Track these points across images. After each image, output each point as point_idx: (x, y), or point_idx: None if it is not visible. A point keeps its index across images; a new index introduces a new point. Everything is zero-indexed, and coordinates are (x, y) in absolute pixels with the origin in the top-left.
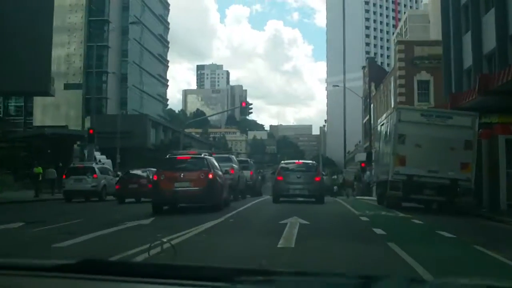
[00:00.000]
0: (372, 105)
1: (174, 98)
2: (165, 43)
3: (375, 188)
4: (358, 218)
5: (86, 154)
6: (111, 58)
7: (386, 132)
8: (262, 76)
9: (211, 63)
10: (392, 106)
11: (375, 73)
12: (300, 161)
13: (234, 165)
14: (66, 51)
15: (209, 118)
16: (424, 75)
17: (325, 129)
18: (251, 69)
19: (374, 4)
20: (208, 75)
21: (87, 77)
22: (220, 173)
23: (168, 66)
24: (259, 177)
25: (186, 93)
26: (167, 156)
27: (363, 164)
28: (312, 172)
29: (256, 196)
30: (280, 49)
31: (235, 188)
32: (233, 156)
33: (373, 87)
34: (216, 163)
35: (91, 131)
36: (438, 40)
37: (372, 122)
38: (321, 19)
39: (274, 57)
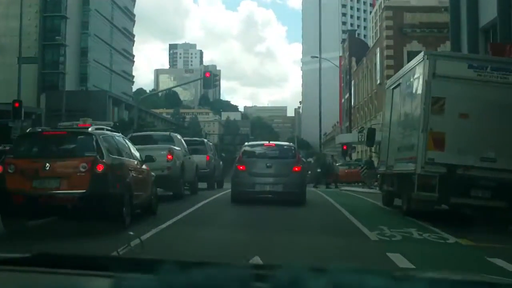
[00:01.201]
0: (352, 82)
1: (146, 79)
2: (131, 17)
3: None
4: (382, 253)
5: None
6: (70, 30)
7: (406, 96)
8: (236, 57)
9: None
10: (378, 81)
11: (356, 47)
12: (272, 142)
13: (174, 147)
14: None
15: (182, 98)
16: (415, 46)
17: (300, 110)
18: (225, 50)
19: None
20: (181, 55)
21: (43, 50)
22: (130, 162)
23: (134, 41)
24: (220, 163)
25: (158, 72)
26: (27, 131)
27: (345, 147)
28: (289, 159)
29: (214, 188)
30: (254, 30)
31: (175, 181)
32: (176, 135)
33: (354, 62)
34: (129, 146)
35: (16, 104)
36: (432, 5)
37: (352, 100)
38: (294, 0)
39: (248, 38)
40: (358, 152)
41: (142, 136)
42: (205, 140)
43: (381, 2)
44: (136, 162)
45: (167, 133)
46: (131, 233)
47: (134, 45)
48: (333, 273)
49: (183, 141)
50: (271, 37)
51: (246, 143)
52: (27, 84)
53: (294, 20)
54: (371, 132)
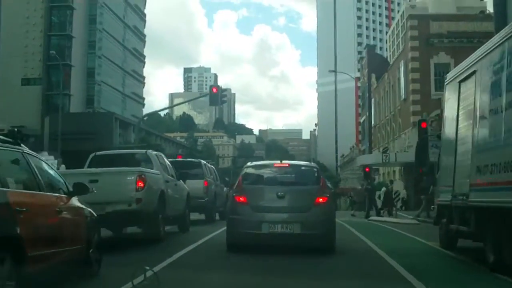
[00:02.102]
0: (373, 100)
1: (161, 103)
2: (141, 37)
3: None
4: None
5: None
6: (76, 50)
7: (494, 87)
8: (250, 81)
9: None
10: (403, 96)
11: (375, 63)
12: (286, 162)
13: (148, 170)
14: (24, 41)
15: (196, 122)
16: (443, 57)
17: (316, 133)
18: (239, 74)
19: (367, 2)
20: (196, 78)
21: (48, 71)
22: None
23: (144, 62)
24: (224, 189)
25: (172, 96)
26: None
27: (367, 169)
28: (310, 186)
29: (214, 220)
30: (268, 54)
31: (149, 218)
32: (156, 153)
33: (373, 79)
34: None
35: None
36: (460, 14)
37: (373, 119)
38: (308, 24)
39: (262, 62)
40: (381, 174)
41: (107, 156)
42: (203, 162)
43: (398, 20)
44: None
45: (143, 151)
46: (147, 267)
47: (148, 69)
48: None
49: (167, 162)
50: (285, 61)
51: (248, 163)
52: (31, 106)
53: (308, 44)
54: (423, 145)
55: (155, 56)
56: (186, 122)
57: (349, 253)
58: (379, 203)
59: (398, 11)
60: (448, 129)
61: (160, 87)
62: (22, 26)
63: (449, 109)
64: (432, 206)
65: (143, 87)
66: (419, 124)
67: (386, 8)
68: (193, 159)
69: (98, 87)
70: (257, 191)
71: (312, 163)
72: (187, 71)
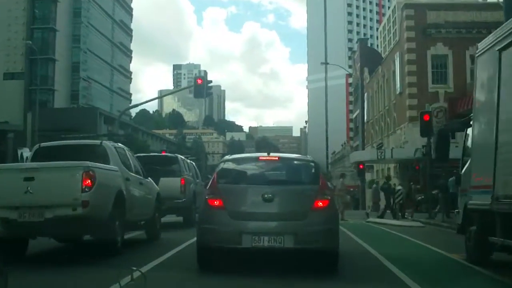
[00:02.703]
0: (365, 95)
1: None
2: (128, 31)
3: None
4: None
5: None
6: (60, 43)
7: None
8: (240, 78)
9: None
10: (398, 90)
11: (368, 57)
12: (275, 154)
13: (97, 166)
14: (6, 34)
15: (186, 120)
16: (440, 48)
17: (306, 130)
18: (229, 72)
19: None
20: (185, 75)
21: (31, 65)
22: None
23: (131, 57)
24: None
25: (162, 93)
26: None
27: (361, 166)
28: (306, 185)
29: (193, 224)
30: (257, 51)
31: (100, 224)
32: (114, 145)
33: (366, 73)
34: None
35: None
36: (459, 3)
37: (366, 115)
38: (297, 21)
39: (251, 59)
40: (376, 171)
41: (55, 148)
42: (180, 157)
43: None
44: None
45: (97, 142)
46: (134, 268)
47: (137, 66)
48: None
49: (130, 155)
50: (274, 58)
51: (226, 156)
52: (14, 101)
53: (297, 41)
54: (444, 137)
55: (144, 53)
56: (175, 119)
57: (356, 272)
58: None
59: (389, 7)
60: (483, 112)
61: (150, 84)
62: (4, 19)
63: (484, 87)
64: (456, 210)
65: (130, 83)
66: (422, 117)
67: (376, 4)
68: (168, 154)
69: (84, 82)
70: (237, 193)
71: (308, 156)
72: (176, 67)
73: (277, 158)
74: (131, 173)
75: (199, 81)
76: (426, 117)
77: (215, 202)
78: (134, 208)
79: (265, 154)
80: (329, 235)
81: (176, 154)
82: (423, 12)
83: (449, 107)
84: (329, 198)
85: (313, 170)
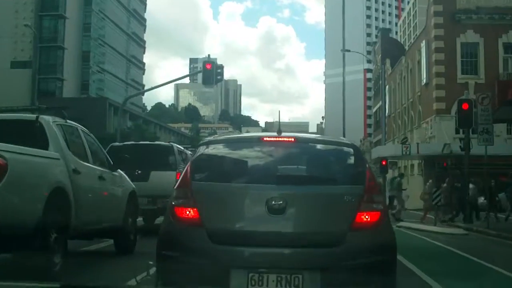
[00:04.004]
0: (387, 87)
1: (167, 94)
2: (141, 21)
3: None
4: None
5: None
6: (69, 31)
7: None
8: (256, 73)
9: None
10: (424, 81)
11: (389, 47)
12: (289, 135)
13: (12, 150)
14: (14, 21)
15: (202, 114)
16: (471, 36)
17: (323, 126)
18: (245, 66)
19: None
20: (202, 69)
21: (40, 53)
22: None
23: (144, 48)
24: None
25: (178, 87)
26: None
27: (384, 162)
28: (341, 186)
29: None
30: (273, 46)
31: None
32: (56, 123)
33: (388, 65)
34: None
35: None
36: None
37: (387, 108)
38: (312, 17)
39: (267, 54)
40: (399, 167)
41: None
42: (176, 146)
43: (410, 9)
44: None
45: (31, 116)
46: (150, 262)
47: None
48: None
49: (86, 138)
50: (290, 54)
51: (208, 138)
52: (21, 90)
53: (313, 37)
54: None
55: (161, 47)
56: (191, 113)
57: None
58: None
59: (408, 1)
60: None
61: (166, 78)
62: (11, 5)
63: None
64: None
65: (143, 74)
66: (460, 106)
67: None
68: (161, 142)
69: (95, 72)
70: (223, 198)
71: (343, 138)
72: (193, 61)
73: (292, 140)
74: (84, 163)
75: (208, 66)
76: (465, 106)
77: (187, 213)
78: (88, 212)
79: (274, 134)
80: (381, 272)
81: (171, 143)
82: None
83: (498, 93)
84: (382, 208)
85: (353, 161)
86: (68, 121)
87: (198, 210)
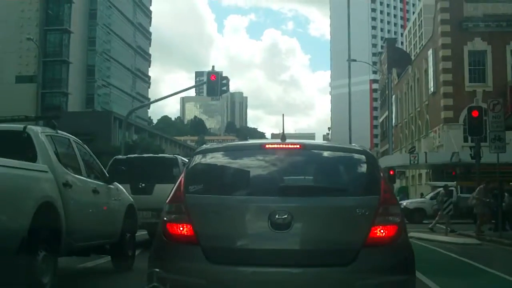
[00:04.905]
0: (393, 97)
1: (173, 108)
2: (146, 35)
3: None
4: None
5: None
6: (74, 46)
7: None
8: (261, 85)
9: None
10: (432, 89)
11: (396, 57)
12: (294, 141)
13: None
14: (19, 36)
15: (208, 127)
16: (478, 44)
17: (329, 136)
18: (250, 79)
19: (381, 3)
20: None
21: (45, 68)
22: None
23: (150, 62)
24: None
25: (184, 100)
26: None
27: (391, 172)
28: (353, 197)
29: None
30: (277, 59)
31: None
32: (46, 134)
33: (394, 74)
34: None
35: None
36: None
37: (393, 118)
38: (316, 29)
39: (272, 67)
40: (407, 177)
41: None
42: (180, 159)
43: (415, 19)
44: None
45: (19, 127)
46: (157, 270)
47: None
48: None
49: (79, 149)
50: (295, 66)
51: (204, 146)
52: (26, 105)
53: (317, 48)
54: None
55: (166, 61)
56: (197, 126)
57: None
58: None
59: (413, 12)
60: None
61: (171, 92)
62: (16, 20)
63: None
64: None
65: (149, 88)
66: (470, 113)
67: (401, 9)
68: (165, 155)
69: (100, 86)
70: (221, 212)
71: (355, 145)
72: (198, 74)
73: (298, 147)
74: (77, 176)
75: (212, 78)
76: (475, 113)
77: (180, 230)
78: (81, 227)
79: (277, 140)
80: None
81: (176, 155)
82: (459, 4)
83: (511, 100)
84: (398, 221)
85: (365, 169)
86: (59, 131)
87: (193, 226)
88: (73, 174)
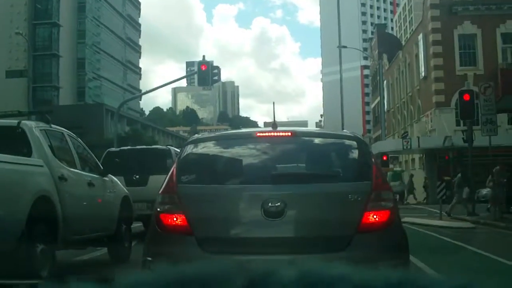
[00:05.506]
0: (385, 82)
1: (164, 98)
2: (136, 26)
3: None
4: None
5: None
6: (64, 39)
7: None
8: (252, 74)
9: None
10: (423, 74)
11: (386, 43)
12: (285, 129)
13: None
14: (8, 31)
15: (200, 117)
16: (468, 27)
17: (322, 124)
18: (240, 68)
19: None
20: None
21: (35, 62)
22: None
23: (140, 53)
24: None
25: (175, 91)
26: None
27: (385, 157)
28: (346, 183)
29: None
30: (267, 47)
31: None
32: (40, 128)
33: (385, 60)
34: None
35: None
36: None
37: (385, 103)
38: (305, 16)
39: (262, 55)
40: (400, 162)
41: None
42: (174, 150)
43: (405, 3)
44: None
45: (13, 122)
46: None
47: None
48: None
49: (72, 142)
50: (285, 53)
51: (195, 135)
52: (17, 100)
53: (307, 36)
54: None
55: (156, 52)
56: (189, 116)
57: None
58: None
59: None
60: None
61: (162, 82)
62: (6, 15)
63: None
64: None
65: (140, 79)
66: (461, 97)
67: None
68: (158, 146)
69: (91, 79)
70: (214, 201)
71: (346, 131)
72: (189, 65)
73: (289, 135)
74: (72, 169)
75: (203, 67)
76: (466, 97)
77: (174, 220)
78: (78, 220)
79: (268, 128)
80: (391, 279)
81: (168, 146)
82: None
83: (502, 82)
84: (391, 206)
85: (357, 155)
86: (52, 125)
87: (186, 216)
88: (68, 168)
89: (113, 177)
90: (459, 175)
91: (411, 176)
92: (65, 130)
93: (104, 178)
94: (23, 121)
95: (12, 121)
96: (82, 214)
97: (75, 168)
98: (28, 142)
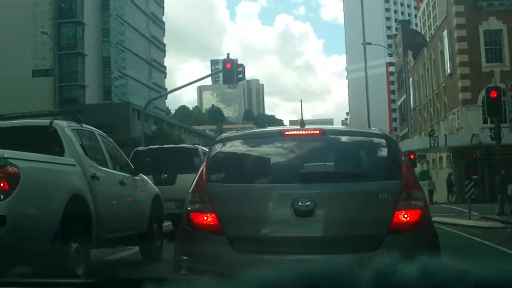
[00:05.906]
0: (410, 80)
1: (190, 97)
2: (160, 25)
3: None
4: None
5: None
6: (89, 38)
7: None
8: (276, 72)
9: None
10: (448, 71)
11: (411, 39)
12: (314, 127)
13: (23, 158)
14: (33, 30)
15: (226, 115)
16: (493, 23)
17: (348, 122)
18: (264, 65)
19: None
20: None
21: (60, 61)
22: None
23: (165, 51)
24: None
25: (201, 89)
26: None
27: (412, 156)
28: (376, 182)
29: None
30: (291, 44)
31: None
32: (72, 128)
33: (410, 57)
34: None
35: None
36: None
37: (411, 100)
38: (328, 13)
39: (286, 52)
40: (428, 161)
41: None
42: (201, 148)
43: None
44: None
45: (45, 122)
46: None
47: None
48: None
49: (103, 142)
50: (309, 51)
51: (223, 134)
52: (43, 99)
53: (331, 33)
54: None
55: (180, 50)
56: (215, 115)
57: None
58: None
59: None
60: None
61: (187, 81)
62: (29, 14)
63: None
64: None
65: (165, 77)
66: (488, 94)
67: None
68: (185, 145)
69: (117, 77)
70: (244, 200)
71: (375, 129)
72: (213, 63)
73: (317, 133)
74: (103, 168)
75: (228, 66)
76: (494, 94)
77: (204, 219)
78: (110, 219)
79: (296, 127)
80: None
81: (196, 145)
82: None
83: None
84: (422, 205)
85: (386, 153)
86: (84, 125)
87: (216, 216)
88: (100, 167)
89: (144, 176)
90: (503, 171)
91: (450, 174)
92: (96, 129)
93: (135, 177)
94: (55, 121)
95: (44, 121)
96: (114, 212)
97: (107, 167)
98: (60, 142)
